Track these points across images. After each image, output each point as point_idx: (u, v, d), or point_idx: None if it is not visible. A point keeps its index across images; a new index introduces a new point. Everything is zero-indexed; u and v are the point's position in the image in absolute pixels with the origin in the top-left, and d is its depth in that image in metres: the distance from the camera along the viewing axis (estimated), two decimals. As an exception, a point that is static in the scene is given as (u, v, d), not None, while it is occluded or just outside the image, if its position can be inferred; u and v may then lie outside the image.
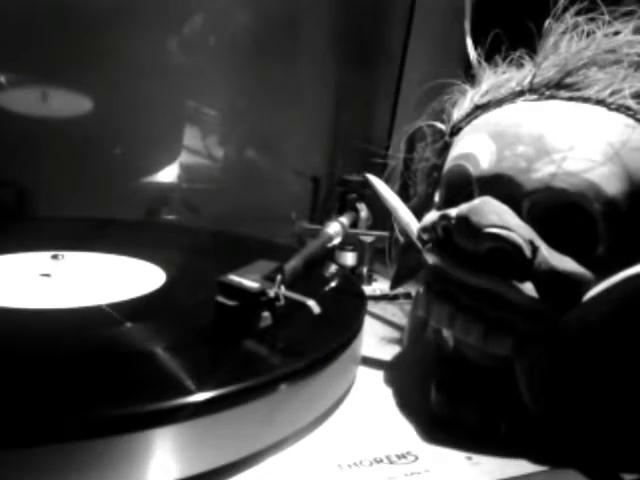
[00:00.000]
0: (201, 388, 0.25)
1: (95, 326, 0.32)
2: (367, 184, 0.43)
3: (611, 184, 0.28)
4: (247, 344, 0.30)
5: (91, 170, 0.65)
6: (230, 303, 0.29)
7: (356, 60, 0.76)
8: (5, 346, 0.29)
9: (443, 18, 0.66)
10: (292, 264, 0.36)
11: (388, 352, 0.40)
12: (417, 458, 0.28)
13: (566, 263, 0.28)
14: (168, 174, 0.73)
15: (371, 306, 0.49)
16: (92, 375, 0.26)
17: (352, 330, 0.33)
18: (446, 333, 0.33)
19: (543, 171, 0.29)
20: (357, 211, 0.54)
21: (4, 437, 0.21)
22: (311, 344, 0.31)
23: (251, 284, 0.29)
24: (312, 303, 0.30)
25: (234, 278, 0.30)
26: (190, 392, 0.24)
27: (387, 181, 0.43)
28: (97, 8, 0.63)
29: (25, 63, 0.62)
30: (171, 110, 0.71)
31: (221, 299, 0.29)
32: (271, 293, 0.30)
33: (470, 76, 0.39)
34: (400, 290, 0.48)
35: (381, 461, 0.28)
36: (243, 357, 0.29)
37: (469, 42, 0.47)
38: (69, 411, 0.23)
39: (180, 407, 0.24)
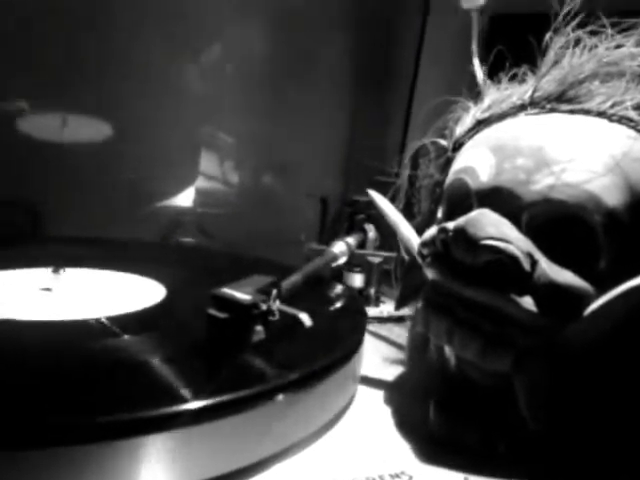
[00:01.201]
0: (186, 398, 0.24)
1: (93, 338, 0.32)
2: (375, 205, 0.42)
3: (612, 195, 0.28)
4: (241, 357, 0.29)
5: (107, 194, 0.66)
6: (221, 315, 0.29)
7: (370, 84, 0.77)
8: (7, 355, 0.29)
9: (453, 40, 0.67)
10: (291, 280, 0.35)
11: (391, 373, 0.39)
12: (411, 478, 0.27)
13: (566, 276, 0.28)
14: (183, 198, 0.74)
15: (377, 327, 0.49)
16: (90, 384, 0.26)
17: (349, 346, 0.33)
18: (448, 352, 0.32)
19: (542, 183, 0.29)
20: (365, 232, 0.54)
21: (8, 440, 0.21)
22: (307, 358, 0.30)
23: (243, 297, 0.29)
24: (304, 316, 0.29)
25: (227, 291, 0.30)
26: (180, 401, 0.24)
27: (392, 200, 0.43)
28: (117, 37, 0.64)
29: (46, 90, 0.63)
30: (188, 136, 0.72)
31: (212, 311, 0.29)
32: (263, 306, 0.29)
33: (475, 94, 0.39)
34: (406, 311, 0.47)
35: (374, 480, 0.27)
36: (237, 369, 0.29)
37: (476, 62, 0.47)
38: (68, 417, 0.23)
39: (173, 415, 0.24)
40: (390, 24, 0.76)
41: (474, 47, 0.50)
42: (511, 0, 0.61)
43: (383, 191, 0.43)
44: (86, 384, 0.26)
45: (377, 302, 0.54)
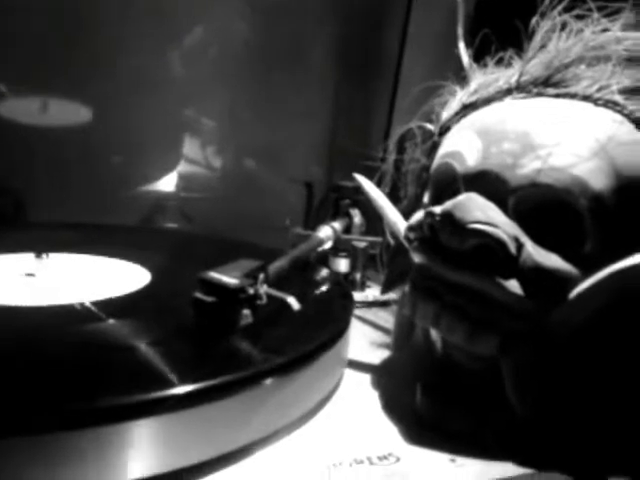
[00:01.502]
0: (173, 382, 0.24)
1: (77, 322, 0.31)
2: (360, 190, 0.42)
3: (597, 179, 0.28)
4: (228, 341, 0.29)
5: (89, 178, 0.65)
6: (208, 299, 0.28)
7: (354, 69, 0.76)
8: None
9: (438, 24, 0.66)
10: (277, 264, 0.35)
11: (378, 356, 0.39)
12: (399, 459, 0.27)
13: (552, 260, 0.28)
14: (166, 183, 0.73)
15: (363, 312, 0.49)
16: (74, 369, 0.26)
17: (336, 330, 0.33)
18: (435, 336, 0.32)
19: (529, 167, 0.29)
20: (350, 217, 0.54)
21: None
22: (294, 342, 0.30)
23: (230, 280, 0.29)
24: (292, 300, 0.29)
25: (214, 275, 0.29)
26: (167, 386, 0.24)
27: (378, 184, 0.42)
28: (98, 20, 0.63)
29: (26, 73, 0.62)
30: (170, 120, 0.71)
31: (199, 295, 0.29)
32: (251, 290, 0.29)
33: (462, 79, 0.39)
34: (392, 296, 0.47)
35: (361, 462, 0.27)
36: (224, 353, 0.29)
37: (462, 47, 0.46)
38: (51, 403, 0.23)
39: (160, 400, 0.23)
40: (374, 8, 0.75)
41: (460, 31, 0.50)
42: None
43: (368, 176, 0.43)
44: (70, 369, 0.26)
45: (363, 287, 0.54)
